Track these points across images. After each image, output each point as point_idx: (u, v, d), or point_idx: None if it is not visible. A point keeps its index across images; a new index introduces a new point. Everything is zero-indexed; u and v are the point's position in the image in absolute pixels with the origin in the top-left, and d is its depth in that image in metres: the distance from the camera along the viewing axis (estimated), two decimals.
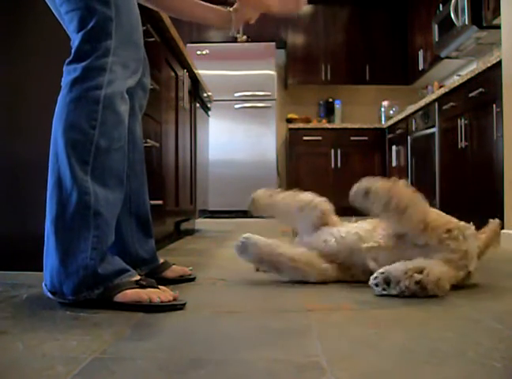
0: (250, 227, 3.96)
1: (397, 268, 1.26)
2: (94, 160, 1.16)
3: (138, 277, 1.19)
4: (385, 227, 1.43)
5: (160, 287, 1.18)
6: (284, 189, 1.66)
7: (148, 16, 2.11)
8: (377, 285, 1.26)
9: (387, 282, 1.24)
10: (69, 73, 1.18)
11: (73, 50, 1.19)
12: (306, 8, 6.20)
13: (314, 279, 1.45)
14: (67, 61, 1.19)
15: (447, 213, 1.46)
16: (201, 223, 4.29)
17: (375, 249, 1.41)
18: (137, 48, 1.27)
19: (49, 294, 1.16)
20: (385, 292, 1.25)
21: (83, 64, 1.16)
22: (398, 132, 5.35)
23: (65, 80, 1.19)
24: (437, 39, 4.67)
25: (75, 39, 1.19)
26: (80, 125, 1.15)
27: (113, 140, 1.19)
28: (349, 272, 1.47)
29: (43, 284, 1.18)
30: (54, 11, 1.34)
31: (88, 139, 1.15)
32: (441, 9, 4.52)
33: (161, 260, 1.51)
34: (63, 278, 1.14)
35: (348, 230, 1.50)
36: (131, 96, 1.31)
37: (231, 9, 1.55)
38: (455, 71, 5.08)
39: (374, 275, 1.27)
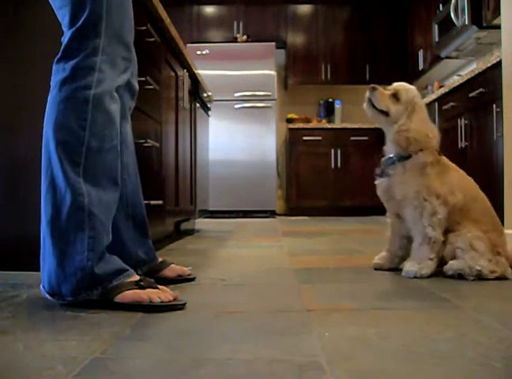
0: (251, 228, 3.96)
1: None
2: (85, 161, 1.15)
3: (138, 278, 1.19)
4: None
5: (159, 286, 1.18)
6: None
7: (148, 16, 2.11)
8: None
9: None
10: (59, 72, 1.17)
11: (61, 47, 1.18)
12: (307, 8, 6.21)
13: None
14: (56, 58, 1.18)
15: None
16: (201, 223, 4.29)
17: None
18: (127, 47, 1.26)
19: (47, 296, 1.16)
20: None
21: (71, 63, 1.16)
22: None
23: (55, 80, 1.18)
24: (437, 39, 4.67)
25: (65, 36, 1.18)
26: (70, 125, 1.15)
27: (104, 139, 1.19)
28: None
29: (41, 286, 1.18)
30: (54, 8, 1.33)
31: (78, 140, 1.15)
32: (441, 9, 4.53)
33: (160, 260, 1.51)
34: (61, 280, 1.13)
35: None
36: (120, 98, 1.29)
37: None
38: (455, 71, 5.08)
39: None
